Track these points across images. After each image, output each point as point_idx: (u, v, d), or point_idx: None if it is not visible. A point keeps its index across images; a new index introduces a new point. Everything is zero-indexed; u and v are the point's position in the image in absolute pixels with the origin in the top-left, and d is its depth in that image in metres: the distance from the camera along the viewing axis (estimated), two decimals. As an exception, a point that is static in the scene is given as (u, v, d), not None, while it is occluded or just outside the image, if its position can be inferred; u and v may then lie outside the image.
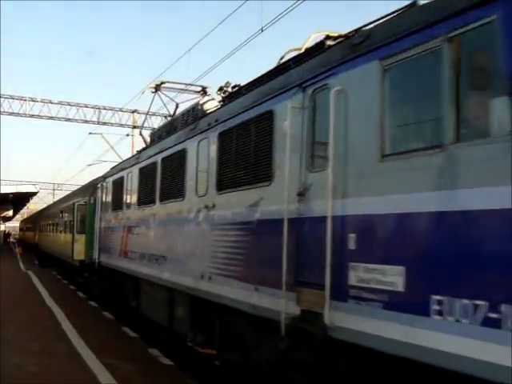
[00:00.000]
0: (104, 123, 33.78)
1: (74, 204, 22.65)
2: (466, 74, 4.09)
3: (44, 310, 13.91)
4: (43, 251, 37.44)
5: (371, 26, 5.41)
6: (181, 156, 9.31)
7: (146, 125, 34.91)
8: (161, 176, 10.48)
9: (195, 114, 9.71)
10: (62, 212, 27.74)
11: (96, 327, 12.09)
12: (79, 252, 19.79)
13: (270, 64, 7.14)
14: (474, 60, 4.12)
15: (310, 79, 5.71)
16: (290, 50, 6.93)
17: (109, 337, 11.03)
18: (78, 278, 20.93)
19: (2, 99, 31.45)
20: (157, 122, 34.95)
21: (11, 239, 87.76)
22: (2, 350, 8.80)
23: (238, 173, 7.13)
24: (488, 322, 3.60)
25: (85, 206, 19.95)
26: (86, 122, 33.63)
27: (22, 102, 31.87)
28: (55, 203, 38.28)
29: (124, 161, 15.75)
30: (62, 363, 8.34)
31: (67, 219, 24.98)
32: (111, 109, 34.02)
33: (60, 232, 28.13)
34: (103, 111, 33.76)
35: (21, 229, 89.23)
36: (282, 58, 6.99)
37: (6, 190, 35.99)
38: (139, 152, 13.25)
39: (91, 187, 18.95)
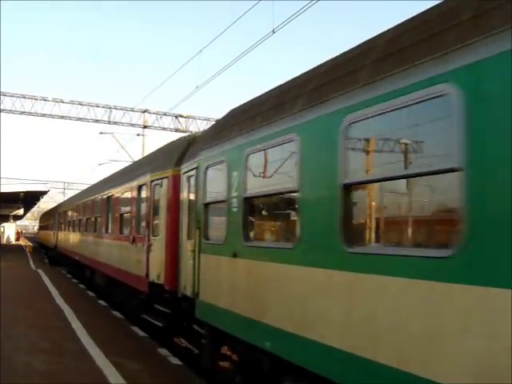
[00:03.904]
0: (115, 123, 33.96)
1: None
2: None
3: (54, 308, 13.95)
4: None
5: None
6: None
7: (156, 125, 35.03)
8: None
9: None
10: None
11: (105, 326, 12.10)
12: None
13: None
14: None
15: None
16: None
17: (118, 336, 11.03)
18: None
19: (15, 98, 31.67)
20: (167, 123, 35.07)
21: (21, 240, 78.37)
22: (12, 347, 8.84)
23: None
24: None
25: None
26: (97, 121, 33.81)
27: (33, 101, 32.09)
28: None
29: None
30: (72, 362, 8.35)
31: None
32: (122, 108, 34.18)
33: None
34: (114, 111, 33.93)
35: (43, 227, 54.18)
36: None
37: (17, 188, 36.24)
38: None
39: None
